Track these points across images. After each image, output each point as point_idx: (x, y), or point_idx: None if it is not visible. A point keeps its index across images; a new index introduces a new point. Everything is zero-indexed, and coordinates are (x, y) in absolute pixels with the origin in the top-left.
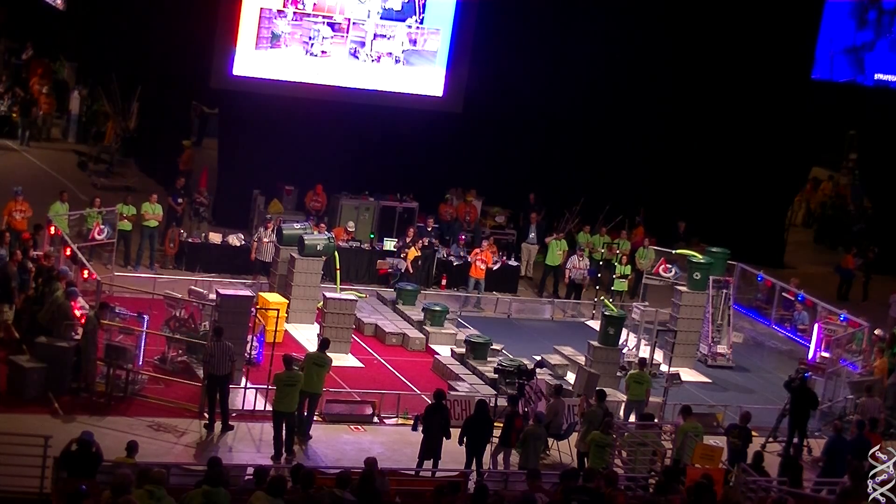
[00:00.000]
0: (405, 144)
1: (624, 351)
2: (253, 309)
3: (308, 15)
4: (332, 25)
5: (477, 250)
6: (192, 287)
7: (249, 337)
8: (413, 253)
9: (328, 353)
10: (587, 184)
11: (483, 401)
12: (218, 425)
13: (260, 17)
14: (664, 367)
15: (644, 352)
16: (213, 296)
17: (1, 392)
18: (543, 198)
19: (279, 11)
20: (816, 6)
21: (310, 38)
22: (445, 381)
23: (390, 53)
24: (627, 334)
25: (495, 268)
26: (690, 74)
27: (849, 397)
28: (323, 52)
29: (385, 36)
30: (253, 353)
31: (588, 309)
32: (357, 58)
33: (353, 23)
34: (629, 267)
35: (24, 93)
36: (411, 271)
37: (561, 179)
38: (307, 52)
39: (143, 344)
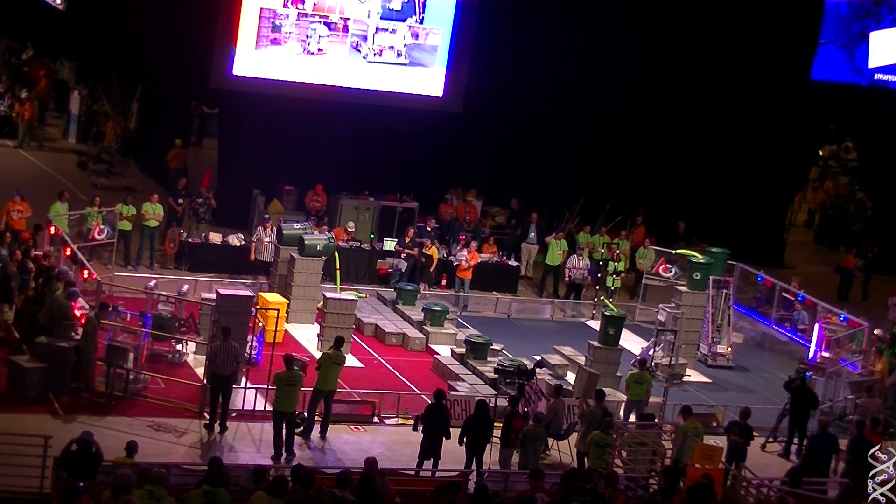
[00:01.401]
0: (405, 144)
1: (650, 353)
2: (253, 309)
3: (307, 14)
4: (328, 25)
5: (465, 251)
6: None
7: (249, 337)
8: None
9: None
10: (587, 184)
11: (483, 401)
12: (218, 425)
13: (260, 17)
14: (689, 373)
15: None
16: (209, 294)
17: (1, 392)
18: (543, 198)
19: (283, 13)
20: (816, 6)
21: (307, 37)
22: (445, 381)
23: (392, 47)
24: (655, 336)
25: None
26: (690, 74)
27: (849, 397)
28: (319, 49)
29: (387, 30)
30: (252, 352)
31: (588, 309)
32: (359, 51)
33: (354, 20)
34: (622, 264)
35: (29, 93)
36: (423, 261)
37: (561, 179)
38: (304, 49)
39: (143, 343)
